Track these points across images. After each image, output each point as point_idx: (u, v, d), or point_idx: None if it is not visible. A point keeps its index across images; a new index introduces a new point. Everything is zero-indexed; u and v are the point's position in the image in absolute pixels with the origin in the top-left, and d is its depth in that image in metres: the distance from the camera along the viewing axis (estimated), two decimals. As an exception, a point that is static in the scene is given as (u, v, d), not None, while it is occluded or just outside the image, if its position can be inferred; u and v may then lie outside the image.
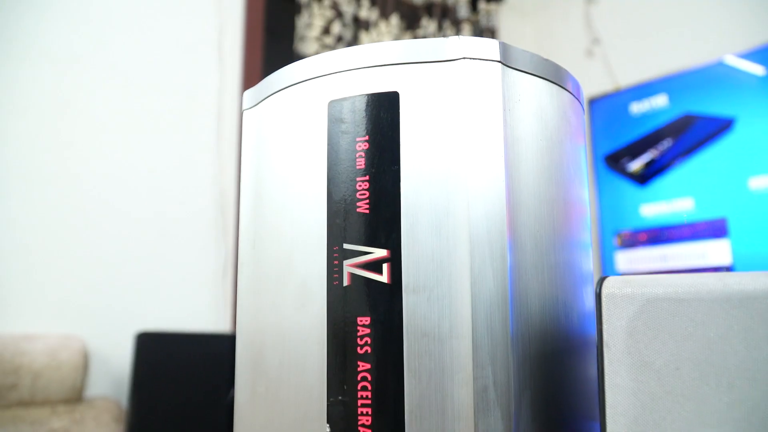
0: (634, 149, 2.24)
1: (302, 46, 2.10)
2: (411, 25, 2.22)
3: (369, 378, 0.31)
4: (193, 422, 1.45)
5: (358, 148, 0.34)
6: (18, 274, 1.47)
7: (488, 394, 0.30)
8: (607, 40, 2.45)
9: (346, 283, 0.32)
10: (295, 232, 0.35)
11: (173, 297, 1.60)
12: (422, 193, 0.32)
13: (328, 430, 0.31)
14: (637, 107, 2.24)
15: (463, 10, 2.27)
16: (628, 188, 2.30)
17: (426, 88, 0.33)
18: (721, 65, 2.05)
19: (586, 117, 2.34)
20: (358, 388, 0.31)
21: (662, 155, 2.18)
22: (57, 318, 1.50)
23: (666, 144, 2.18)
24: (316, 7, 2.06)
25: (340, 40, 2.13)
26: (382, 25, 2.23)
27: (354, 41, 2.21)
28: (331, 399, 0.31)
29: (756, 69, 1.94)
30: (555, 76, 0.37)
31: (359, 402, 0.31)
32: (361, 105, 0.34)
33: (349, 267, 0.32)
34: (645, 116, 2.22)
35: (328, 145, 0.35)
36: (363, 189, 0.33)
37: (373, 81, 0.34)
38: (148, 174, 1.58)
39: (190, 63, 1.71)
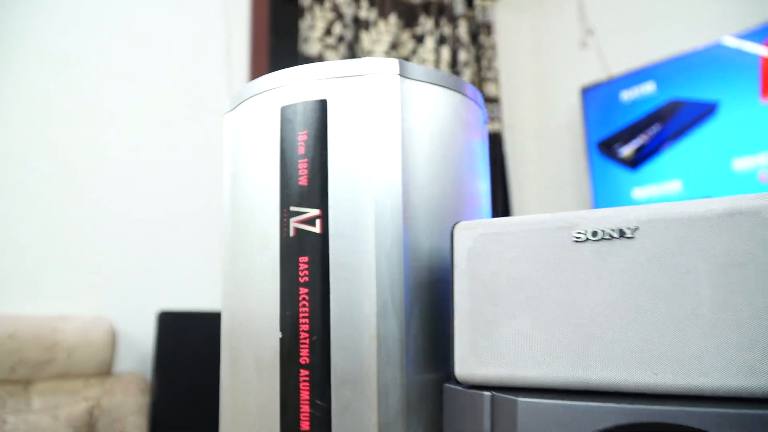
0: (625, 135, 2.35)
1: (306, 47, 2.25)
2: (409, 23, 2.36)
3: (307, 298, 0.46)
4: (213, 393, 1.62)
5: (299, 140, 0.48)
6: (51, 261, 1.65)
7: (387, 307, 0.44)
8: (600, 31, 2.55)
9: (292, 234, 0.47)
10: (259, 200, 0.49)
11: (192, 278, 1.77)
12: (342, 170, 0.46)
13: (280, 335, 0.46)
14: (627, 95, 2.35)
15: (460, 7, 2.40)
16: (621, 173, 2.42)
17: (345, 97, 0.48)
18: (705, 51, 2.16)
19: (578, 106, 2.45)
20: (300, 305, 0.46)
21: (651, 140, 2.30)
22: (87, 301, 1.68)
23: (655, 129, 2.28)
24: (318, 10, 2.21)
25: (341, 40, 2.28)
26: (381, 24, 2.37)
27: (355, 41, 2.36)
28: (283, 313, 0.46)
29: (750, 47, 2.04)
30: (451, 83, 0.51)
31: (300, 314, 0.45)
32: (302, 109, 0.48)
33: (294, 223, 0.47)
34: (635, 103, 2.33)
35: (281, 137, 0.49)
36: (303, 167, 0.47)
37: (310, 92, 0.49)
38: (168, 167, 1.75)
39: (199, 63, 1.87)
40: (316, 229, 0.46)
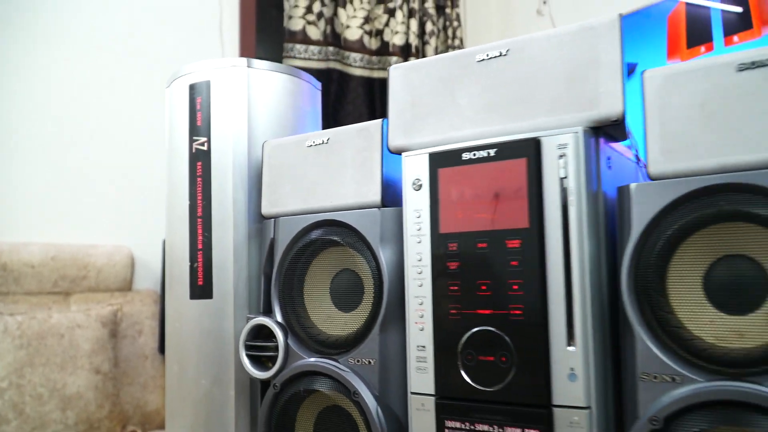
0: (567, 94, 2.71)
1: (290, 24, 2.64)
2: (381, -1, 2.72)
3: (202, 255, 0.88)
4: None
5: (198, 107, 0.90)
6: (83, 202, 2.13)
7: (247, 249, 0.86)
8: (553, 0, 2.88)
9: (194, 153, 0.90)
10: (177, 159, 0.92)
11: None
12: (218, 117, 0.88)
13: (190, 265, 0.89)
14: (569, 58, 2.69)
15: (426, -18, 2.75)
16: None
17: (218, 79, 0.89)
18: (629, 17, 2.49)
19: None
20: (198, 255, 0.88)
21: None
22: (111, 233, 2.16)
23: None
24: (299, -10, 2.59)
25: (321, 17, 2.67)
26: (357, 1, 2.75)
27: (334, 16, 2.74)
28: (191, 264, 0.89)
29: (662, 13, 2.38)
30: (288, 71, 0.93)
31: (199, 267, 0.88)
32: (200, 85, 0.90)
33: (195, 145, 0.90)
34: (575, 66, 2.68)
35: (188, 104, 0.91)
36: (200, 117, 0.90)
37: (203, 76, 0.90)
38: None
39: (193, 39, 2.30)
40: (204, 147, 0.88)
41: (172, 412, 0.90)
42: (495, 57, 0.67)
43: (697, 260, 0.57)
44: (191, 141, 0.90)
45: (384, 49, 2.82)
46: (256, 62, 0.90)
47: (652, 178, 0.59)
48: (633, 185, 0.59)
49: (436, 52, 2.87)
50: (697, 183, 0.56)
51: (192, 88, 0.91)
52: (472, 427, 0.64)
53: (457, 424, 0.65)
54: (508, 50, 0.67)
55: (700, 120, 0.57)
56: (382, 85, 2.80)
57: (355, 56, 2.77)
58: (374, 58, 2.81)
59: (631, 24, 2.45)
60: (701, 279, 0.57)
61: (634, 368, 0.58)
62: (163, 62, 2.26)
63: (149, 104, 2.20)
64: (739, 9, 2.01)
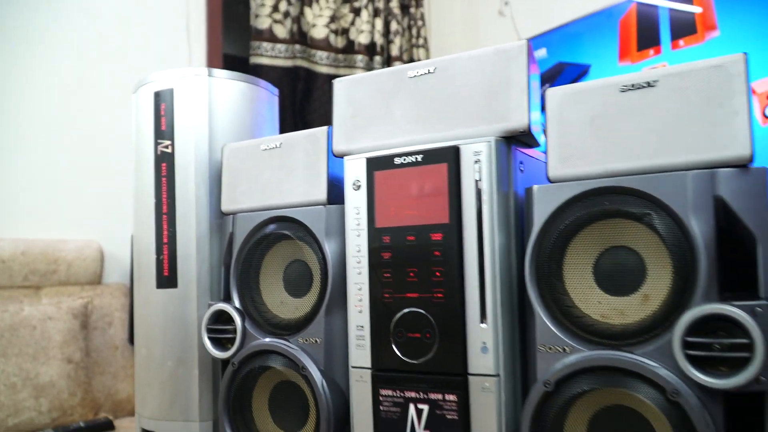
0: (525, 93, 2.82)
1: (257, 22, 2.72)
2: (345, -1, 2.81)
3: (167, 248, 0.97)
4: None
5: (162, 112, 0.99)
6: (53, 198, 2.19)
7: (208, 243, 0.95)
8: (514, 1, 3.00)
9: (160, 155, 0.98)
10: (143, 161, 1.00)
11: (160, 212, 2.29)
12: (181, 121, 0.97)
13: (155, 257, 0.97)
14: (526, 59, 2.80)
15: (390, -17, 2.84)
16: (522, 124, 2.90)
17: (181, 87, 0.98)
18: (582, 21, 2.62)
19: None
20: (164, 248, 0.97)
21: (542, 96, 2.79)
22: (81, 228, 2.22)
23: (546, 88, 2.75)
24: (265, -10, 2.66)
25: (287, 15, 2.74)
26: (323, 0, 2.83)
27: (300, 15, 2.82)
28: (157, 256, 0.97)
29: (614, 16, 2.50)
30: (247, 79, 1.02)
31: (165, 259, 0.97)
32: (165, 92, 0.99)
33: (160, 148, 0.98)
34: (532, 66, 2.79)
35: (154, 110, 1.00)
36: (164, 122, 0.98)
37: (168, 82, 0.99)
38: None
39: (160, 39, 2.36)
40: (169, 150, 0.97)
41: (141, 390, 0.99)
42: (424, 74, 0.77)
43: (588, 250, 0.68)
44: (156, 144, 0.98)
45: (350, 48, 2.91)
46: (217, 71, 0.99)
47: (550, 181, 0.70)
48: (535, 187, 0.70)
49: (401, 51, 2.97)
50: (587, 186, 0.67)
51: (157, 95, 1.00)
52: (402, 395, 0.74)
53: (390, 392, 0.75)
54: (435, 68, 0.77)
55: (590, 132, 0.68)
56: (348, 82, 2.89)
57: (321, 54, 2.86)
58: (340, 56, 2.90)
59: (584, 27, 2.57)
60: (591, 266, 0.68)
61: (534, 341, 0.68)
62: (131, 61, 2.32)
63: (117, 106, 2.26)
64: (698, 9, 2.15)
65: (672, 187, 0.63)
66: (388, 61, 2.91)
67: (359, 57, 2.89)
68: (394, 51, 2.94)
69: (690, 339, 0.60)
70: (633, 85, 0.67)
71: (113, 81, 2.29)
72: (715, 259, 0.61)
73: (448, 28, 3.18)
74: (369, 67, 2.90)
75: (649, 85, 0.65)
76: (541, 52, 2.72)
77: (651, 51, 2.45)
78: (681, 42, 2.37)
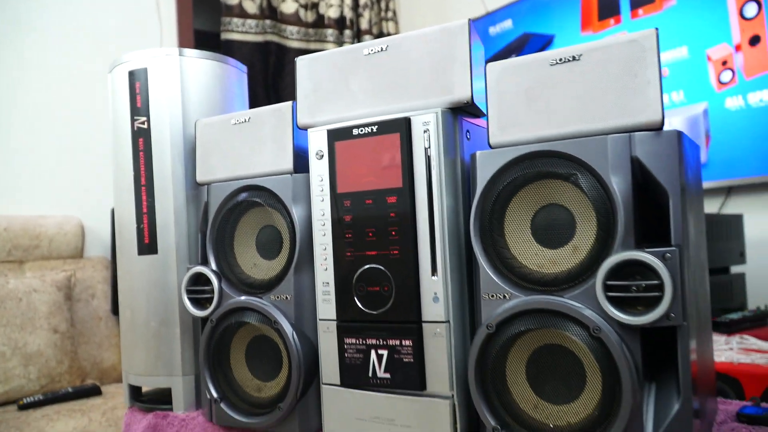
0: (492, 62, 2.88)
1: (227, -2, 2.73)
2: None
3: (147, 217, 1.03)
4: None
5: (137, 90, 1.04)
6: (33, 176, 2.22)
7: (185, 212, 1.02)
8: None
9: (137, 131, 1.04)
10: (121, 137, 1.06)
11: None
12: (155, 97, 1.03)
13: (136, 228, 1.04)
14: (492, 30, 2.87)
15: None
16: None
17: (154, 67, 1.04)
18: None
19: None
20: (144, 218, 1.03)
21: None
22: (61, 204, 2.26)
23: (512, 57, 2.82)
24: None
25: (257, -9, 2.76)
26: (292, -24, 2.85)
27: (270, -11, 2.83)
28: (137, 225, 1.04)
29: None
30: (216, 58, 1.08)
31: (145, 227, 1.03)
32: (139, 71, 1.04)
33: (137, 124, 1.04)
34: (498, 36, 2.86)
35: (129, 89, 1.05)
36: (138, 99, 1.04)
37: (141, 63, 1.04)
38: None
39: (132, 17, 2.38)
40: (145, 126, 1.03)
41: (127, 350, 1.07)
42: (378, 52, 0.84)
43: (525, 208, 0.76)
44: (133, 120, 1.04)
45: (320, 22, 2.95)
46: (188, 51, 1.05)
47: (491, 147, 0.78)
48: (478, 153, 0.78)
49: (370, 25, 3.01)
50: (522, 150, 0.75)
51: (131, 74, 1.05)
52: (364, 342, 0.83)
53: (353, 340, 0.83)
54: (387, 46, 0.84)
55: (524, 102, 0.76)
56: (320, 56, 2.94)
57: (291, 29, 2.89)
58: (311, 31, 2.94)
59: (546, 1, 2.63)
60: (528, 222, 0.76)
61: (479, 290, 0.77)
62: (104, 41, 2.35)
63: (92, 85, 2.29)
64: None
65: (594, 149, 0.71)
66: (357, 35, 2.96)
67: (329, 31, 2.93)
68: (364, 24, 2.99)
69: (610, 283, 0.69)
70: (561, 59, 0.74)
71: (88, 61, 2.31)
72: (632, 212, 0.70)
73: (417, 1, 3.23)
74: (339, 41, 2.94)
75: (574, 59, 0.73)
76: (506, 24, 2.79)
77: (612, 20, 2.53)
78: (640, 11, 2.45)
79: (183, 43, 2.56)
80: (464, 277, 0.82)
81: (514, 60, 0.78)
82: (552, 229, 0.75)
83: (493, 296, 0.76)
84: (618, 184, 0.70)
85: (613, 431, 0.69)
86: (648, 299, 0.68)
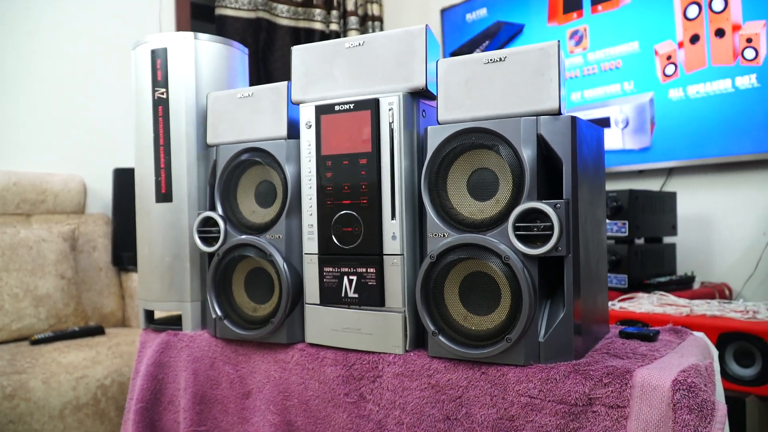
0: (467, 48, 3.15)
1: (222, -24, 2.95)
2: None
3: (164, 171, 1.28)
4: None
5: (158, 66, 1.29)
6: (41, 135, 2.45)
7: (196, 168, 1.27)
8: (460, -38, 3.26)
9: (158, 102, 1.29)
10: (143, 104, 1.31)
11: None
12: (174, 73, 1.28)
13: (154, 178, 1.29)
14: (469, 17, 3.13)
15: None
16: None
17: (173, 47, 1.29)
18: (515, -13, 2.92)
19: (439, 24, 3.19)
20: (161, 172, 1.28)
21: (484, 51, 3.14)
22: (66, 163, 2.50)
23: (485, 44, 3.09)
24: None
25: (250, -30, 2.97)
26: (283, -43, 3.06)
27: (262, -31, 3.04)
28: (156, 178, 1.29)
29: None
30: (224, 41, 1.33)
31: (162, 179, 1.28)
32: (159, 50, 1.29)
33: (157, 94, 1.29)
34: (474, 23, 3.12)
35: (151, 64, 1.30)
36: (160, 74, 1.29)
37: (164, 42, 1.29)
38: (120, 72, 2.53)
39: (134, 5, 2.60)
40: (164, 96, 1.28)
41: (144, 280, 1.33)
42: (356, 46, 1.10)
43: (463, 170, 1.04)
44: (154, 91, 1.30)
45: (308, 2, 3.18)
46: (201, 35, 1.31)
47: (439, 123, 1.05)
48: (429, 127, 1.05)
49: (356, 6, 3.25)
50: (461, 126, 1.02)
51: (153, 52, 1.30)
52: (339, 270, 1.10)
53: (330, 269, 1.11)
54: (363, 42, 1.10)
55: (464, 91, 1.03)
56: (308, 35, 3.17)
57: (282, 7, 3.12)
58: (300, 10, 3.17)
59: (518, -10, 2.88)
60: (465, 181, 1.04)
61: (426, 231, 1.04)
62: (108, 15, 2.56)
63: (103, 58, 2.51)
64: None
65: (512, 128, 0.98)
66: (344, 16, 3.20)
67: (317, 11, 3.16)
68: (350, 6, 3.22)
69: (518, 224, 0.97)
70: (492, 60, 1.01)
71: (94, 36, 2.53)
72: (536, 175, 0.97)
73: (401, -16, 3.46)
74: (326, 21, 3.17)
75: (501, 60, 1.00)
76: (482, 12, 3.05)
77: (575, 14, 2.80)
78: (600, 7, 2.73)
79: (180, 15, 2.78)
80: (416, 221, 1.09)
81: (457, 58, 1.05)
82: (481, 186, 1.03)
83: (436, 235, 1.04)
84: (527, 154, 0.97)
85: (515, 332, 0.97)
86: (544, 237, 0.96)
